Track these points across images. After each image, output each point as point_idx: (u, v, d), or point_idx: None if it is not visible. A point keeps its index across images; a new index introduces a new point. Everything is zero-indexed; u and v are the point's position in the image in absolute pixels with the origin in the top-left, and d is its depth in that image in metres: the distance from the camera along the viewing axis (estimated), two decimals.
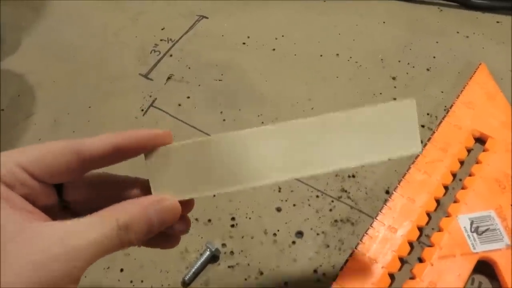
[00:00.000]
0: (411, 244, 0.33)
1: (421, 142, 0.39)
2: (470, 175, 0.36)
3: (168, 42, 0.51)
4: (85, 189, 0.25)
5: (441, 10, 0.50)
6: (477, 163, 0.37)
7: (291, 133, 0.23)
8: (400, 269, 0.32)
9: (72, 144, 0.22)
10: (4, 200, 0.20)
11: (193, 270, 0.34)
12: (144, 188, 0.25)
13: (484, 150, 0.38)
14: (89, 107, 0.46)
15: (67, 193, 0.25)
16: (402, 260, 0.33)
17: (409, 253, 0.33)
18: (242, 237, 0.36)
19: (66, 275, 0.19)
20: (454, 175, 0.37)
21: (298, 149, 0.23)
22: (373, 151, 0.23)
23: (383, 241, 0.33)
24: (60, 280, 0.18)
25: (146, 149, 0.24)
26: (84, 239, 0.19)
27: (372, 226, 0.34)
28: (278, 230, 0.36)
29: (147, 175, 0.24)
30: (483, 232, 0.32)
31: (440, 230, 0.34)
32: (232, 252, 0.35)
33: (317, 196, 0.37)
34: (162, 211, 0.23)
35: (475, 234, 0.32)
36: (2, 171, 0.20)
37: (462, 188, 0.36)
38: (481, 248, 0.32)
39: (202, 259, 0.34)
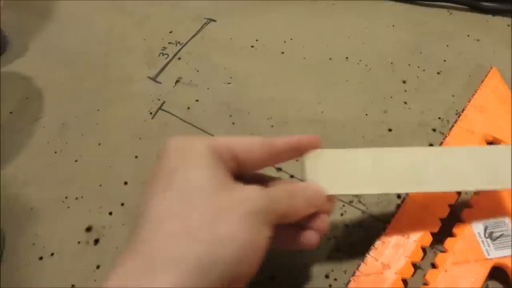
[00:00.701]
0: (424, 250, 0.33)
1: (433, 146, 0.39)
2: None
3: (176, 45, 0.51)
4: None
5: (451, 14, 0.50)
6: None
7: (419, 156, 0.30)
8: (413, 275, 0.32)
9: (266, 141, 0.27)
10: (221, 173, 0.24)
11: None
12: None
13: None
14: (98, 110, 0.46)
15: None
16: (415, 266, 0.32)
17: (422, 259, 0.33)
18: None
19: (267, 225, 0.24)
20: None
21: (424, 169, 0.29)
22: (477, 180, 0.30)
23: (395, 246, 0.33)
24: (268, 224, 0.24)
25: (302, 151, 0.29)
26: (272, 200, 0.25)
27: (384, 231, 0.34)
28: None
29: (303, 173, 0.29)
30: (497, 237, 0.32)
31: (453, 235, 0.33)
32: None
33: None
34: (307, 188, 0.28)
35: (489, 240, 0.32)
36: (212, 142, 0.25)
37: (476, 193, 0.36)
38: (496, 254, 0.32)
39: None
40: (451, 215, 0.33)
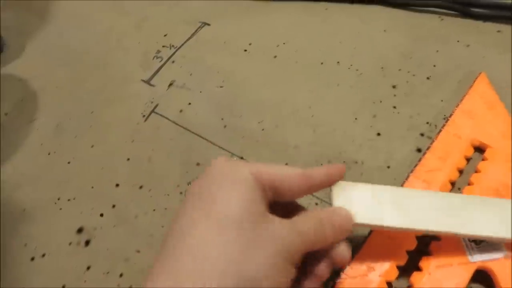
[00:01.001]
0: (409, 253, 0.33)
1: (420, 151, 0.39)
2: (469, 184, 0.37)
3: (170, 49, 0.51)
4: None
5: (442, 19, 0.50)
6: (476, 172, 0.37)
7: (447, 200, 0.32)
8: (397, 278, 0.32)
9: (305, 173, 0.28)
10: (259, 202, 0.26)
11: None
12: None
13: (483, 159, 0.38)
14: (92, 112, 0.47)
15: None
16: (400, 269, 0.33)
17: (407, 262, 0.33)
18: None
19: (294, 262, 0.25)
20: (453, 184, 0.37)
21: (450, 212, 0.32)
22: (497, 229, 0.32)
23: (381, 250, 0.33)
24: (292, 261, 0.25)
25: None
26: (303, 233, 0.26)
27: (370, 235, 0.34)
28: None
29: (330, 201, 0.31)
30: (481, 241, 0.32)
31: (438, 238, 0.34)
32: None
33: (316, 204, 0.38)
34: (335, 214, 0.29)
35: (473, 244, 0.32)
36: (255, 170, 0.26)
37: None
38: (479, 257, 0.32)
39: None
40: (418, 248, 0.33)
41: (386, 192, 0.32)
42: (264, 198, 0.26)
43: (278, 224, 0.25)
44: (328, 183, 0.30)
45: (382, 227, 0.31)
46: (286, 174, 0.27)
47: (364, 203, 0.31)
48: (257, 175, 0.26)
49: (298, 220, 0.26)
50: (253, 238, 0.24)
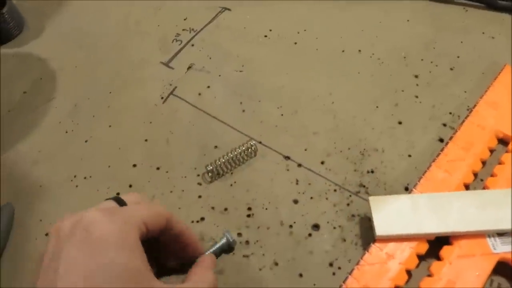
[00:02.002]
0: (429, 242, 0.33)
1: (442, 141, 0.39)
2: (492, 176, 0.36)
3: (190, 32, 0.51)
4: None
5: (467, 10, 0.49)
6: (499, 164, 0.36)
7: (480, 198, 0.33)
8: (417, 266, 0.32)
9: (166, 213, 0.30)
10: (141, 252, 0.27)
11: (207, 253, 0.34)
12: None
13: (507, 151, 0.37)
14: (110, 93, 0.46)
15: None
16: (420, 257, 0.32)
17: (427, 251, 0.32)
18: (258, 228, 0.35)
19: None
20: (475, 175, 0.36)
21: (485, 209, 0.33)
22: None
23: (401, 238, 0.32)
24: None
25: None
26: None
27: None
28: (295, 222, 0.36)
29: (372, 212, 0.33)
30: (504, 233, 0.32)
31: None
32: (247, 242, 0.35)
33: (335, 190, 0.37)
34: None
35: (496, 235, 0.32)
36: (138, 224, 0.27)
37: (484, 188, 0.35)
38: (502, 249, 0.31)
39: (217, 245, 0.34)
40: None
41: (421, 201, 0.33)
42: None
43: None
44: (179, 245, 0.32)
45: (423, 235, 0.32)
46: (155, 212, 0.29)
47: (403, 214, 0.33)
48: (135, 223, 0.27)
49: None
50: None
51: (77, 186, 0.40)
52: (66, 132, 0.44)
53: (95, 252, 0.24)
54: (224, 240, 0.34)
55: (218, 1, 0.54)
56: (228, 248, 0.34)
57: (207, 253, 0.33)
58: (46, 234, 0.37)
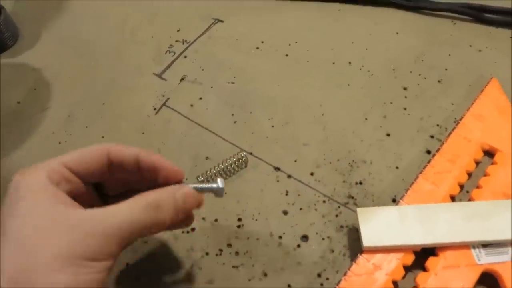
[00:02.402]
0: (416, 253, 0.33)
1: (430, 152, 0.39)
2: (477, 187, 0.37)
3: (183, 44, 0.52)
4: (122, 185, 0.29)
5: (455, 23, 0.50)
6: (485, 175, 0.37)
7: (467, 209, 0.34)
8: (403, 277, 0.33)
9: (104, 147, 0.27)
10: (49, 195, 0.23)
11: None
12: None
13: (492, 163, 0.38)
14: (103, 103, 0.47)
15: (108, 190, 0.29)
16: (406, 268, 0.33)
17: (414, 262, 0.33)
18: (248, 238, 0.36)
19: (101, 250, 0.21)
20: (461, 187, 0.37)
21: (471, 221, 0.33)
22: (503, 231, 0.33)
23: (388, 249, 0.33)
24: (97, 255, 0.21)
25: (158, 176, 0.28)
26: (117, 217, 0.23)
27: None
28: (284, 233, 0.36)
29: (359, 223, 0.34)
30: (489, 244, 0.33)
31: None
32: (237, 253, 0.35)
33: (324, 201, 0.38)
34: (186, 195, 0.27)
35: (480, 246, 0.33)
36: (49, 169, 0.24)
37: (470, 200, 0.36)
38: (486, 260, 0.32)
39: (205, 185, 0.30)
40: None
41: (408, 212, 0.34)
42: (65, 195, 0.24)
43: (89, 219, 0.23)
44: (144, 172, 0.28)
45: (410, 246, 0.33)
46: (85, 153, 0.26)
47: (390, 225, 0.33)
48: (52, 172, 0.24)
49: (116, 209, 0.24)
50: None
51: None
52: (60, 142, 0.44)
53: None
54: (214, 185, 0.30)
55: (211, 12, 0.55)
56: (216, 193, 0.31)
57: (190, 186, 0.29)
58: None
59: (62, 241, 0.21)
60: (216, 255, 0.35)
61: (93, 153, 0.27)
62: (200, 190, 0.30)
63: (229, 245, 0.36)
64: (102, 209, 0.24)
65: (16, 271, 0.21)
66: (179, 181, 0.29)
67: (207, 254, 0.35)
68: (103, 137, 0.44)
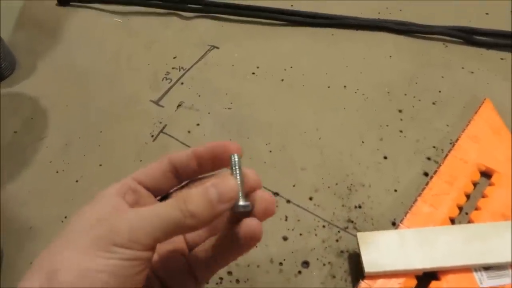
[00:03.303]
0: (417, 278, 0.33)
1: (427, 174, 0.40)
2: (476, 209, 0.37)
3: (179, 70, 0.52)
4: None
5: (446, 46, 0.51)
6: (483, 197, 0.37)
7: (467, 232, 0.34)
8: None
9: (165, 155, 0.28)
10: (108, 201, 0.25)
11: None
12: None
13: (490, 185, 0.38)
14: (100, 131, 0.47)
15: None
16: None
17: (416, 286, 0.33)
18: (248, 266, 0.36)
19: (130, 237, 0.23)
20: (460, 209, 0.37)
21: (471, 244, 0.33)
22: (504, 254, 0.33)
23: (389, 274, 0.33)
24: (125, 242, 0.23)
25: (220, 158, 0.27)
26: (148, 210, 0.24)
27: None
28: (284, 259, 0.36)
29: (360, 248, 0.34)
30: (490, 267, 0.32)
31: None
32: (237, 281, 0.35)
33: (324, 226, 0.38)
34: (220, 186, 0.25)
35: (482, 269, 0.32)
36: (121, 182, 0.26)
37: (469, 222, 0.36)
38: (488, 283, 0.32)
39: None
40: None
41: (408, 236, 0.34)
42: (125, 204, 0.25)
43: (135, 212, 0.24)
44: (206, 164, 0.28)
45: (411, 270, 0.33)
46: (149, 168, 0.27)
47: (391, 250, 0.33)
48: (121, 185, 0.26)
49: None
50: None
51: None
52: (57, 172, 0.44)
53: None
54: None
55: (207, 39, 0.56)
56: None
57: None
58: None
59: (98, 230, 0.23)
60: (217, 283, 0.35)
61: (157, 163, 0.28)
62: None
63: (229, 273, 0.35)
64: (144, 207, 0.25)
65: (50, 252, 0.23)
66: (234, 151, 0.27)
67: (207, 283, 0.35)
68: (100, 165, 0.44)
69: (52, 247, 0.23)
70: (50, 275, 0.22)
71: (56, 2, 0.64)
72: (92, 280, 0.22)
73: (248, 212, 0.25)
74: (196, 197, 0.24)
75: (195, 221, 0.24)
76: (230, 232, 0.26)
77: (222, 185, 0.24)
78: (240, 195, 0.25)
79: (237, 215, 0.26)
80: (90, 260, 0.22)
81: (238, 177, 0.25)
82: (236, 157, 0.26)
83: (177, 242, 0.28)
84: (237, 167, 0.26)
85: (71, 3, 0.64)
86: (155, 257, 0.28)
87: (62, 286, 0.22)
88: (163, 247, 0.28)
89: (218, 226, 0.28)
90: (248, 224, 0.25)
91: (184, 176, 0.28)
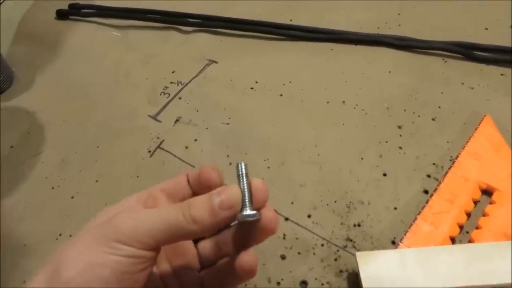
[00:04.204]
0: None
1: (427, 192, 0.39)
2: (477, 228, 0.36)
3: (178, 85, 0.52)
4: None
5: (446, 61, 0.51)
6: (484, 215, 0.37)
7: (468, 252, 0.33)
8: None
9: (185, 172, 0.29)
10: (126, 205, 0.28)
11: None
12: None
13: (491, 203, 0.38)
14: (97, 146, 0.47)
15: None
16: None
17: None
18: (245, 285, 0.35)
19: (132, 236, 0.23)
20: (461, 228, 0.36)
21: (472, 264, 0.32)
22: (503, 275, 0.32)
23: None
24: (127, 239, 0.23)
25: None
26: (153, 212, 0.25)
27: None
28: (282, 279, 0.35)
29: (359, 267, 0.33)
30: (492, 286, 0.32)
31: None
32: None
33: (322, 245, 0.37)
34: (222, 193, 0.25)
35: None
36: (145, 194, 0.28)
37: (469, 241, 0.36)
38: None
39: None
40: None
41: (408, 256, 0.33)
42: (139, 206, 0.28)
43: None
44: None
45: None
46: (171, 180, 0.29)
47: (390, 270, 0.32)
48: (142, 193, 0.28)
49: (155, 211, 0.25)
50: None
51: None
52: (53, 188, 0.43)
53: None
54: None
55: (206, 54, 0.56)
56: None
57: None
58: None
59: (104, 228, 0.24)
60: None
61: (176, 177, 0.29)
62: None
63: None
64: (151, 209, 0.26)
65: (60, 248, 0.24)
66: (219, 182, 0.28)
67: None
68: (97, 181, 0.44)
69: (64, 244, 0.25)
70: (55, 269, 0.23)
71: (55, 16, 0.64)
72: (94, 274, 0.23)
73: (256, 222, 0.26)
74: (199, 203, 0.25)
75: (197, 226, 0.24)
76: (232, 259, 0.27)
77: (225, 192, 0.25)
78: (247, 204, 0.25)
79: (245, 230, 0.27)
80: (93, 255, 0.23)
81: (244, 186, 0.26)
82: (242, 165, 0.26)
83: (191, 257, 0.29)
84: (243, 175, 0.26)
85: (70, 17, 0.64)
86: (168, 269, 0.29)
87: (66, 279, 0.23)
88: (177, 261, 0.29)
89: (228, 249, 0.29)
90: (244, 257, 0.26)
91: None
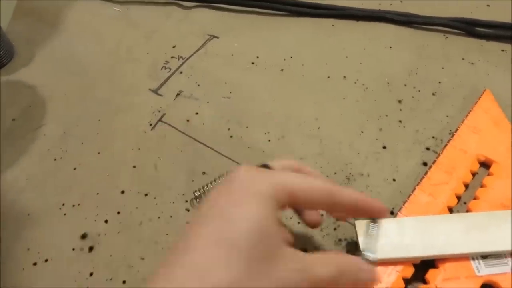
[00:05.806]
0: (415, 265, 0.33)
1: (426, 164, 0.40)
2: (475, 199, 0.37)
3: (178, 60, 0.52)
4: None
5: (447, 37, 0.51)
6: (481, 186, 0.37)
7: (466, 221, 0.34)
8: None
9: (332, 190, 0.27)
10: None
11: None
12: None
13: (488, 174, 0.38)
14: (99, 120, 0.47)
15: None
16: (406, 281, 0.32)
17: (414, 274, 0.33)
18: None
19: None
20: (459, 198, 0.37)
21: (470, 232, 0.33)
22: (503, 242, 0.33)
23: (387, 262, 0.33)
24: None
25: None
26: (308, 276, 0.24)
27: None
28: None
29: (358, 236, 0.33)
30: (488, 255, 0.32)
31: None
32: None
33: (322, 215, 0.37)
34: (360, 269, 0.27)
35: (479, 257, 0.32)
36: (284, 191, 0.26)
37: (467, 212, 0.36)
38: (486, 271, 0.32)
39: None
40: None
41: (406, 224, 0.34)
42: (279, 212, 0.25)
43: (290, 262, 0.24)
44: (355, 212, 0.31)
45: (409, 258, 0.33)
46: (310, 188, 0.27)
47: (389, 238, 0.33)
48: (278, 187, 0.25)
49: (314, 262, 0.25)
50: (258, 270, 0.22)
51: (65, 214, 0.40)
52: (55, 159, 0.44)
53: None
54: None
55: (207, 29, 0.55)
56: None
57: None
58: (34, 264, 0.37)
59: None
60: None
61: (318, 192, 0.28)
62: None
63: None
64: (304, 254, 0.25)
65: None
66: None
67: None
68: (98, 153, 0.44)
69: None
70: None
71: None
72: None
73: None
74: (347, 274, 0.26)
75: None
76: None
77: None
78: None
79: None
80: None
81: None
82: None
83: None
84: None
85: None
86: None
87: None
88: None
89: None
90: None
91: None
